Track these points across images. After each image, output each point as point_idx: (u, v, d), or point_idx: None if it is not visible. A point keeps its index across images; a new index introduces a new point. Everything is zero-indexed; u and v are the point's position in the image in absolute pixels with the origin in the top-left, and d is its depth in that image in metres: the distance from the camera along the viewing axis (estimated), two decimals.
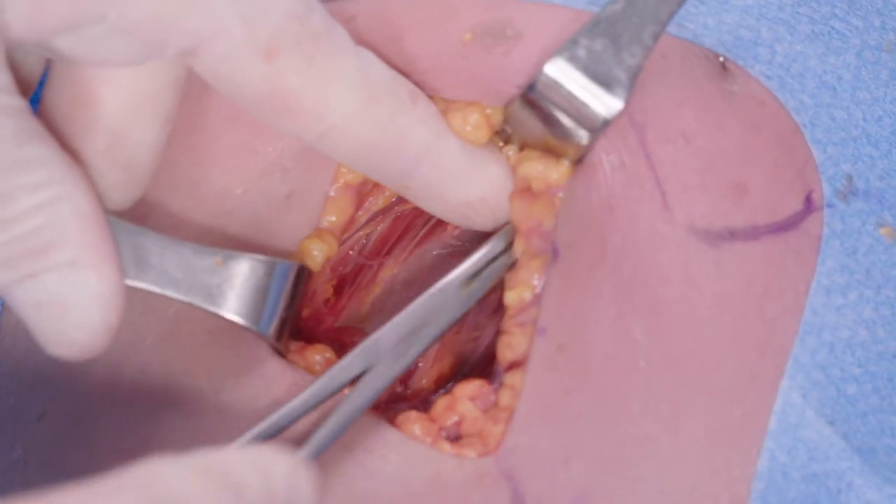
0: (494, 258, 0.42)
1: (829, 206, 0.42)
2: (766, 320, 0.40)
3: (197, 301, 0.39)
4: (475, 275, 0.42)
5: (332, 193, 0.44)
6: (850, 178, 0.42)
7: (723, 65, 0.43)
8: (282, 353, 0.43)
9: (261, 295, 0.40)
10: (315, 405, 0.40)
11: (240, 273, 0.40)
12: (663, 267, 0.41)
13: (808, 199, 0.42)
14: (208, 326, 0.42)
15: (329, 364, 0.42)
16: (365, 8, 0.43)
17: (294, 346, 0.43)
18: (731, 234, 0.41)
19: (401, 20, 0.43)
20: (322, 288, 0.45)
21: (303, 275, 0.42)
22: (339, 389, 0.40)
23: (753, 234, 0.41)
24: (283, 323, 0.41)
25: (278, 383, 0.41)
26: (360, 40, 0.40)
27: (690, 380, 0.40)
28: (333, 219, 0.44)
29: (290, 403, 0.40)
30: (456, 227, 0.47)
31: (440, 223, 0.47)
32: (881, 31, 0.44)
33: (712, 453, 0.40)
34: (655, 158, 0.41)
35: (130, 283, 0.38)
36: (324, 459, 0.40)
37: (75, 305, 0.35)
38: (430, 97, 0.42)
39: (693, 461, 0.40)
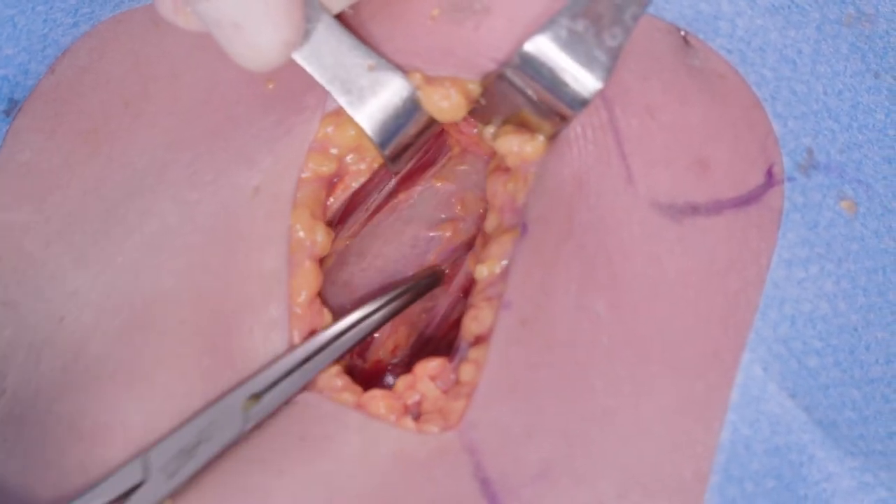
0: (281, 378, 0.41)
1: (790, 179, 0.42)
2: (729, 294, 0.40)
3: (337, 94, 0.40)
4: (261, 393, 0.40)
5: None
6: (810, 151, 0.42)
7: (684, 39, 0.43)
8: (395, 174, 0.43)
9: (394, 114, 0.41)
10: None
11: (386, 85, 0.41)
12: (625, 243, 0.41)
13: (770, 173, 0.42)
14: (181, 317, 0.42)
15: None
16: None
17: None
18: (694, 210, 0.41)
19: (371, 1, 0.42)
20: None
21: (433, 124, 0.42)
22: (112, 502, 0.39)
23: (716, 208, 0.41)
24: (400, 150, 0.42)
25: None
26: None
27: (653, 357, 0.40)
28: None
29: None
30: (407, 197, 0.47)
31: (392, 195, 0.47)
32: (841, 4, 0.44)
33: (674, 428, 0.40)
34: (622, 133, 0.41)
35: None
36: (282, 452, 0.40)
37: (248, 26, 0.37)
38: (409, 73, 0.42)
39: (655, 436, 0.40)
